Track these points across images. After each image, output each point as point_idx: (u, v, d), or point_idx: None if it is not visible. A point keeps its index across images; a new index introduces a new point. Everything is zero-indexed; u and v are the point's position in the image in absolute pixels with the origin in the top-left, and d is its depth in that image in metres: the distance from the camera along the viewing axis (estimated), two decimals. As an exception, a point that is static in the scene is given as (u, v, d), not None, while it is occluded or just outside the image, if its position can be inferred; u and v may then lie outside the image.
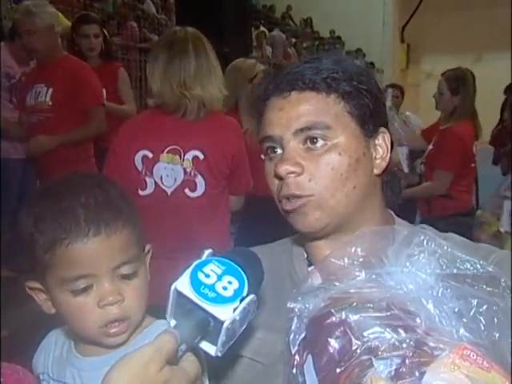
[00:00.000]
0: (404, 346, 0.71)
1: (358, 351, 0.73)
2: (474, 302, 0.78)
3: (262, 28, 15.52)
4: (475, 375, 0.68)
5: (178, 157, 2.48)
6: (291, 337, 0.85)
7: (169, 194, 2.49)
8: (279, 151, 1.07)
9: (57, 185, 1.03)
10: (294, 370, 0.83)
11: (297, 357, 0.83)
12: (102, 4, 11.34)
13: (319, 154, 1.04)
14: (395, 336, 0.72)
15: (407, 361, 0.70)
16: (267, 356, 1.07)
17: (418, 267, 0.81)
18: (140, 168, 2.49)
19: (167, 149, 2.48)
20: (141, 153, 2.49)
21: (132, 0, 12.62)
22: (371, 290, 0.80)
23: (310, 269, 1.13)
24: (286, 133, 1.05)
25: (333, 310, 0.78)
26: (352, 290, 0.81)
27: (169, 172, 2.48)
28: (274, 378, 1.01)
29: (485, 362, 0.70)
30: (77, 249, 0.94)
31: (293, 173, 1.03)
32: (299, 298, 0.86)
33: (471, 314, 0.77)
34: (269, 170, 1.10)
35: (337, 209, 1.04)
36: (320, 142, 1.04)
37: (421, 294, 0.78)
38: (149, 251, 1.08)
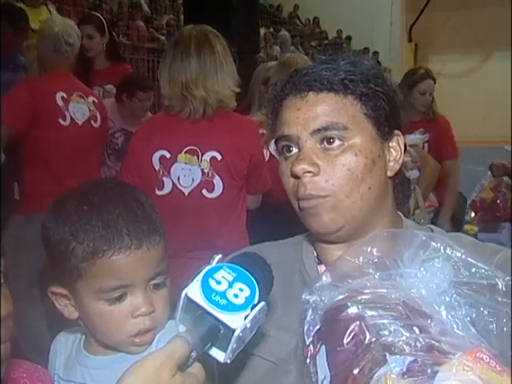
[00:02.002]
0: (418, 344, 0.71)
1: (372, 346, 0.73)
2: (486, 311, 0.78)
3: (270, 28, 15.52)
4: (488, 377, 0.68)
5: (195, 157, 2.47)
6: (305, 328, 0.86)
7: (186, 194, 2.48)
8: (295, 150, 1.08)
9: (90, 193, 1.02)
10: (308, 361, 0.84)
11: (311, 347, 0.84)
12: (111, 4, 11.35)
13: (336, 154, 1.04)
14: (410, 334, 0.72)
15: (419, 359, 0.70)
16: (277, 354, 1.08)
17: (432, 272, 0.81)
18: (157, 168, 2.48)
19: (185, 149, 2.47)
20: (158, 153, 2.48)
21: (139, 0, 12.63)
22: (387, 289, 0.80)
23: (319, 268, 1.14)
24: (302, 132, 1.06)
25: (349, 304, 0.79)
26: (368, 289, 0.81)
27: (186, 172, 2.47)
28: (284, 376, 1.03)
29: (497, 366, 0.70)
30: (118, 261, 0.96)
31: (309, 172, 1.04)
32: (314, 290, 0.86)
33: (482, 323, 0.77)
34: (284, 169, 1.10)
35: (351, 210, 1.05)
36: (337, 143, 1.04)
37: (433, 300, 0.79)
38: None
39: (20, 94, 3.38)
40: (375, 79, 1.08)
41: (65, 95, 3.42)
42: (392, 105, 1.09)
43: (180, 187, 2.48)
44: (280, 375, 1.05)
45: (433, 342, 0.72)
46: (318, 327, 0.84)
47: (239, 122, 2.60)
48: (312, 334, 0.84)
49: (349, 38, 19.53)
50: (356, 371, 0.73)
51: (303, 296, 0.88)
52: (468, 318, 0.77)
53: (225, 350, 0.79)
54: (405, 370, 0.70)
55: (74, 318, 1.04)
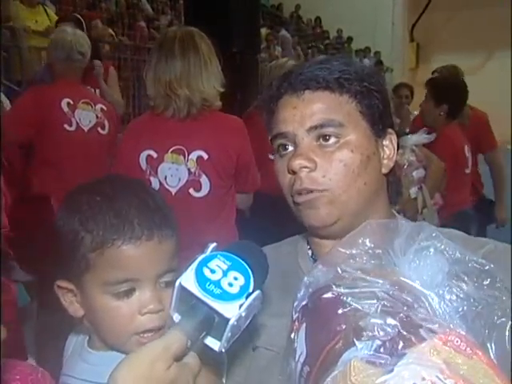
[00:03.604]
0: (389, 330, 0.71)
1: (346, 327, 0.74)
2: (476, 302, 0.78)
3: (271, 28, 15.54)
4: (455, 360, 0.68)
5: (182, 157, 2.48)
6: (295, 304, 0.87)
7: (173, 193, 2.49)
8: (291, 148, 1.10)
9: (103, 185, 1.02)
10: (292, 335, 0.84)
11: (296, 323, 0.85)
12: (109, 4, 11.34)
13: (331, 150, 1.06)
14: (382, 321, 0.72)
15: (388, 343, 0.70)
16: (278, 343, 1.06)
17: (426, 263, 0.81)
18: (144, 168, 2.49)
19: (171, 149, 2.48)
20: (145, 152, 2.49)
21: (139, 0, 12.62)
22: (376, 275, 0.80)
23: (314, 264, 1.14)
24: (299, 129, 1.08)
25: (333, 286, 0.79)
26: (356, 272, 0.81)
27: (173, 172, 2.48)
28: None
29: (468, 349, 0.69)
30: (127, 251, 0.94)
31: (306, 167, 1.06)
32: (314, 271, 0.87)
33: (473, 314, 0.77)
34: (279, 166, 1.12)
35: (348, 205, 1.07)
36: (332, 140, 1.07)
37: (426, 292, 0.78)
38: None
39: (25, 100, 3.48)
40: (369, 78, 1.11)
41: (71, 102, 3.49)
42: (385, 103, 1.12)
43: (167, 187, 2.49)
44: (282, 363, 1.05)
45: (410, 326, 0.71)
46: (304, 303, 0.85)
47: (226, 121, 2.60)
48: (298, 309, 0.85)
49: (350, 39, 19.50)
50: (327, 348, 0.74)
51: (305, 279, 0.88)
52: (460, 309, 0.77)
53: (220, 339, 0.79)
54: (372, 352, 0.70)
55: (79, 317, 1.02)
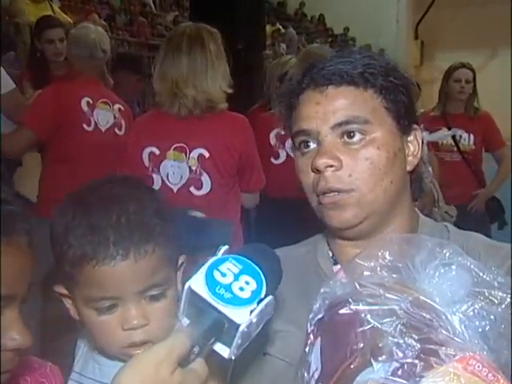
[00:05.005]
0: (408, 351, 0.69)
1: (363, 347, 0.71)
2: (499, 322, 0.75)
3: (276, 25, 15.52)
4: None
5: (183, 154, 2.48)
6: (311, 316, 0.84)
7: (175, 191, 2.49)
8: (313, 146, 1.06)
9: (91, 193, 0.98)
10: (307, 349, 0.82)
11: (311, 336, 0.82)
12: (112, 0, 11.30)
13: (357, 148, 1.03)
14: (401, 341, 0.70)
15: (406, 366, 0.68)
16: (292, 355, 1.03)
17: (446, 279, 0.78)
18: (147, 164, 2.50)
19: (173, 146, 2.49)
20: (148, 149, 2.50)
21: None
22: (396, 292, 0.77)
23: (334, 268, 1.12)
24: (322, 127, 1.04)
25: (351, 301, 0.77)
26: (377, 288, 0.78)
27: (175, 170, 2.48)
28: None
29: (490, 375, 0.67)
30: (103, 271, 0.91)
31: (331, 166, 1.02)
32: (331, 284, 0.84)
33: (496, 334, 0.74)
34: (301, 164, 1.09)
35: (374, 205, 1.04)
36: (357, 137, 1.03)
37: (446, 309, 0.76)
38: (182, 264, 1.04)
39: (45, 97, 3.42)
40: (394, 72, 1.07)
41: (90, 101, 3.45)
42: (410, 98, 1.08)
43: (169, 184, 2.49)
44: (294, 375, 1.02)
45: (428, 349, 0.69)
46: (319, 316, 0.82)
47: (229, 119, 2.58)
48: (314, 322, 0.83)
49: (353, 37, 19.46)
50: (343, 367, 0.72)
51: (321, 289, 0.86)
52: (480, 330, 0.74)
53: (229, 346, 0.76)
54: (390, 374, 0.68)
55: (78, 319, 1.01)
